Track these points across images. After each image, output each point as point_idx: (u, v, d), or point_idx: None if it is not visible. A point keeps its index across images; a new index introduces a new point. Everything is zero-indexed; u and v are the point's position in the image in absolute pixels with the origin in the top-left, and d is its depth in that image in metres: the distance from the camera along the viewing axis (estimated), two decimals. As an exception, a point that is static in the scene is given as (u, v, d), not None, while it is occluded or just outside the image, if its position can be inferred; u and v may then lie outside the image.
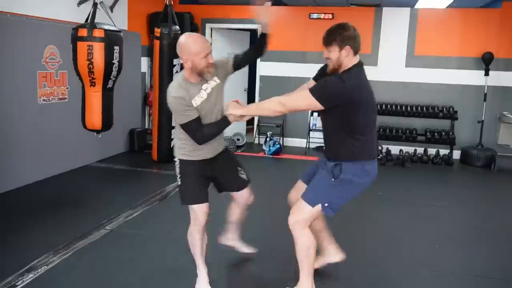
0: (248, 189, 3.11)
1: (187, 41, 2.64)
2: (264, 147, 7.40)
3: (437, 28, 7.46)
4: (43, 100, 5.17)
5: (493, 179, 6.42)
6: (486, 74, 7.08)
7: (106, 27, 4.24)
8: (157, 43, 5.92)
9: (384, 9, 7.62)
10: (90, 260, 3.34)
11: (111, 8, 6.29)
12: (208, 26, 8.22)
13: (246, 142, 7.89)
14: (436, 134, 7.21)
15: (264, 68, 8.08)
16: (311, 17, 7.75)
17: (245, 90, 8.84)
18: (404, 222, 4.44)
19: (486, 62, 7.05)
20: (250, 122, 8.93)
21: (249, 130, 8.89)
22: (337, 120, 2.59)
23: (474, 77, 7.33)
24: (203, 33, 8.22)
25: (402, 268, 3.42)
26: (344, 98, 2.49)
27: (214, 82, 2.77)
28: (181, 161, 2.84)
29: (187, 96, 2.64)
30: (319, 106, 2.51)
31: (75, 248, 3.47)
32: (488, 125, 7.21)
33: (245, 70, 8.83)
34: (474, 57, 7.27)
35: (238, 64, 2.88)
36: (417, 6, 7.87)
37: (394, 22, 7.58)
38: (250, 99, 8.71)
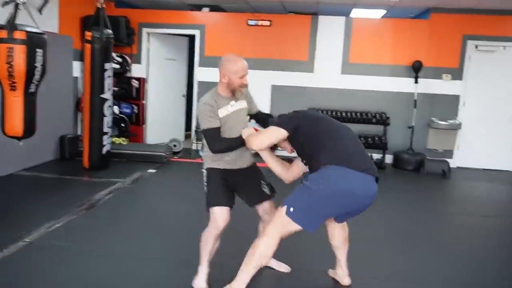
0: (270, 203, 3.16)
1: (230, 60, 2.91)
2: (200, 153, 7.31)
3: (370, 37, 7.70)
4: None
5: (423, 182, 6.68)
6: (416, 81, 7.37)
7: (28, 28, 4.05)
8: (88, 47, 5.72)
9: (320, 17, 7.78)
10: (2, 275, 3.14)
11: (40, 10, 6.00)
12: (145, 30, 8.07)
13: (184, 148, 7.78)
14: (369, 139, 7.42)
15: (201, 73, 8.02)
16: (249, 23, 7.78)
17: (183, 96, 8.74)
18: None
19: (416, 70, 7.35)
20: (187, 128, 8.85)
21: (188, 136, 8.79)
22: (300, 138, 2.83)
23: (405, 85, 7.62)
24: (140, 38, 8.06)
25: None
26: (298, 117, 2.90)
27: (242, 104, 3.04)
28: (207, 169, 3.03)
29: (215, 106, 2.88)
30: (285, 133, 2.82)
31: (-13, 263, 3.26)
32: (418, 131, 7.50)
33: (182, 75, 8.76)
34: (405, 66, 7.56)
35: (253, 114, 3.22)
36: (351, 15, 8.12)
37: (330, 30, 7.75)
38: (189, 105, 8.62)
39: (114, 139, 7.24)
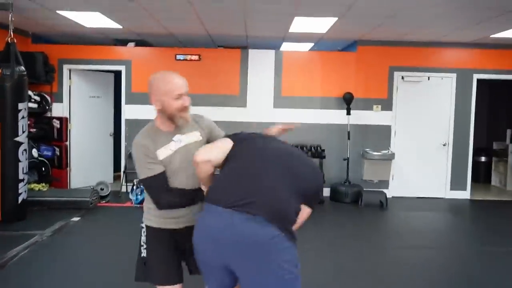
0: None
1: (155, 78, 2.23)
2: (130, 196, 6.84)
3: (301, 70, 7.69)
4: None
5: (361, 214, 6.59)
6: (348, 113, 7.40)
7: None
8: (-3, 85, 5.19)
9: (250, 51, 7.69)
10: None
11: None
12: (65, 67, 7.56)
13: (112, 191, 7.26)
14: (306, 173, 7.28)
15: (129, 111, 7.60)
16: (177, 58, 7.53)
17: (110, 135, 8.24)
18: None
19: (347, 101, 7.38)
20: (116, 169, 8.32)
21: (117, 178, 8.25)
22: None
23: (337, 116, 7.63)
24: (61, 75, 7.55)
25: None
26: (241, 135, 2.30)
27: (194, 137, 2.31)
28: (148, 228, 2.32)
29: (152, 146, 2.19)
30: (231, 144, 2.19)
31: None
32: (353, 162, 7.49)
33: (109, 113, 8.28)
34: (336, 97, 7.59)
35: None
36: (281, 48, 8.11)
37: (261, 64, 7.67)
38: (117, 144, 8.12)
39: (33, 185, 6.60)
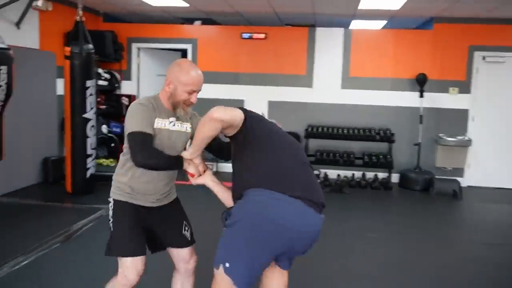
0: (190, 250, 2.52)
1: (182, 66, 2.33)
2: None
3: (371, 49, 7.30)
4: None
5: (432, 204, 6.19)
6: (421, 95, 6.94)
7: (-11, 43, 3.65)
8: (67, 63, 5.33)
9: (318, 29, 7.39)
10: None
11: (17, 24, 5.66)
12: (134, 45, 7.69)
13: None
14: (373, 157, 6.98)
15: (195, 90, 7.60)
16: (243, 36, 7.39)
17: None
18: (337, 259, 4.03)
19: (420, 83, 6.92)
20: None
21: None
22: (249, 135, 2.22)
23: (409, 99, 7.18)
24: (129, 53, 7.68)
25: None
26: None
27: (185, 127, 2.43)
28: (115, 201, 2.37)
29: (151, 110, 2.27)
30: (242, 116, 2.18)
31: None
32: (425, 148, 7.04)
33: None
34: (409, 79, 7.14)
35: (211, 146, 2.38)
36: (351, 26, 7.74)
37: (329, 42, 7.35)
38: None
39: (102, 160, 6.82)
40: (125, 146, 2.32)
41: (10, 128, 5.52)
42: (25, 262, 3.60)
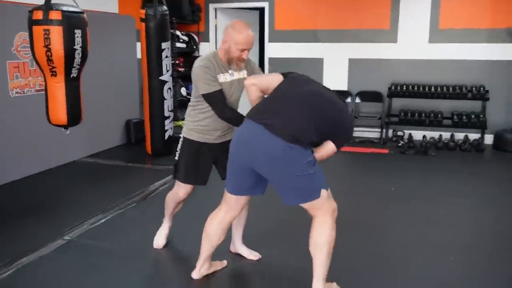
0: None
1: (235, 27, 2.70)
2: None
3: (465, -3, 6.59)
4: (16, 92, 4.74)
5: (530, 168, 5.60)
6: (522, 47, 6.20)
7: (64, 8, 3.71)
8: (142, 26, 5.37)
9: (404, -22, 6.80)
10: (31, 279, 2.86)
11: (97, -11, 5.78)
12: (211, 6, 7.63)
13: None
14: (464, 117, 6.42)
15: (272, 49, 7.43)
16: (322, -9, 7.02)
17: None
18: (416, 227, 3.76)
19: (522, 33, 6.17)
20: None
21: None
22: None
23: (508, 52, 6.45)
24: (207, 15, 7.64)
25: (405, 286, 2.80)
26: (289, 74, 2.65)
27: (242, 75, 2.83)
28: (184, 139, 2.94)
29: (213, 69, 2.70)
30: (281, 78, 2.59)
31: (19, 265, 3.00)
32: (525, 106, 6.35)
33: (254, 52, 8.21)
34: (508, 28, 6.38)
35: None
36: (442, -27, 7.02)
37: (416, -8, 6.76)
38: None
39: (181, 122, 6.95)
40: (194, 96, 2.82)
41: (93, 93, 5.77)
42: (102, 221, 3.75)
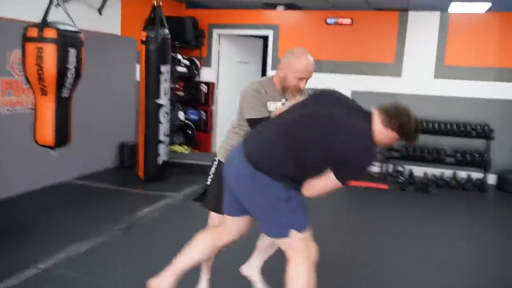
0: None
1: (295, 54, 2.50)
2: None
3: (472, 35, 6.52)
4: (7, 110, 4.61)
5: (535, 212, 5.40)
6: (529, 87, 6.08)
7: (60, 26, 3.61)
8: (143, 48, 5.28)
9: (411, 13, 6.74)
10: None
11: (100, 10, 5.72)
12: (215, 32, 7.56)
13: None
14: (468, 155, 6.25)
15: (274, 78, 7.32)
16: (328, 22, 6.95)
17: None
18: (415, 270, 3.55)
19: (529, 73, 6.06)
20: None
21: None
22: None
23: (513, 91, 6.33)
24: (210, 40, 7.56)
25: None
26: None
27: None
28: (219, 161, 2.67)
29: (264, 95, 2.48)
30: None
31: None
32: (531, 147, 6.18)
33: (256, 79, 8.12)
34: (516, 68, 6.28)
35: None
36: (449, 10, 6.96)
37: (422, 27, 6.69)
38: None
39: (177, 147, 6.80)
40: (238, 119, 2.61)
41: (88, 113, 5.66)
42: (83, 250, 3.54)
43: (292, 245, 2.16)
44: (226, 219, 2.43)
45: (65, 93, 3.76)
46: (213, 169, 2.69)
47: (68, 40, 3.64)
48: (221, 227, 2.47)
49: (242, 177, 2.15)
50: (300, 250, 2.15)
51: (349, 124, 2.10)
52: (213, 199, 2.66)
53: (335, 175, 2.10)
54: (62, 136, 3.82)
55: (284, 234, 2.14)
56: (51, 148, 3.84)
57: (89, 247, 3.60)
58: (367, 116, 2.15)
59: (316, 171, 2.18)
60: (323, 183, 2.16)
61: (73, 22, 3.84)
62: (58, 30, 3.57)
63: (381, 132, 2.12)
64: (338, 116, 2.13)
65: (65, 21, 3.76)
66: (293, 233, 2.13)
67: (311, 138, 2.10)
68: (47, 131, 3.74)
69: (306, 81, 2.50)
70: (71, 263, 3.31)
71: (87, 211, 4.47)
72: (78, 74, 3.79)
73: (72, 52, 3.68)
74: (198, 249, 2.40)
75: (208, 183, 2.71)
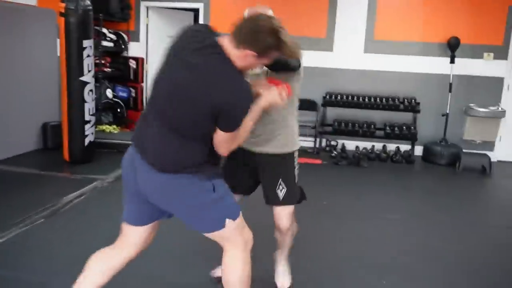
0: (281, 210, 2.55)
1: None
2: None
3: (399, 10, 6.65)
4: None
5: (458, 181, 5.68)
6: (452, 61, 6.32)
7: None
8: (62, 21, 4.90)
9: (341, -13, 6.75)
10: None
11: (11, -22, 5.24)
12: (143, 4, 7.20)
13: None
14: (396, 128, 6.45)
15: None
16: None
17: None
18: (349, 244, 3.61)
19: (452, 48, 6.29)
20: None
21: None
22: None
23: (438, 65, 6.57)
24: (138, 12, 7.20)
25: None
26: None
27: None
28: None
29: None
30: None
31: None
32: (454, 119, 6.47)
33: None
34: (439, 43, 6.50)
35: None
36: (377, -16, 7.04)
37: (352, 1, 6.71)
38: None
39: (105, 127, 6.48)
40: None
41: (7, 92, 5.23)
42: (2, 240, 3.28)
43: (227, 237, 2.02)
44: (127, 231, 2.11)
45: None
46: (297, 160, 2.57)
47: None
48: (119, 242, 2.16)
49: (157, 186, 1.92)
50: (237, 242, 2.02)
51: (205, 73, 1.80)
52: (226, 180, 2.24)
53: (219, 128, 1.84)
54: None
55: (219, 226, 1.97)
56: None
57: (7, 238, 3.33)
58: (216, 49, 1.83)
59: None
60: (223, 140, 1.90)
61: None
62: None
63: (238, 56, 1.82)
64: (192, 72, 1.81)
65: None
66: (228, 222, 1.98)
67: (184, 111, 1.84)
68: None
69: None
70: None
71: (7, 199, 4.14)
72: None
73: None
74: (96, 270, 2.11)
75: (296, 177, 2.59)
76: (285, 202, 2.51)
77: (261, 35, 1.79)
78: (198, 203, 1.94)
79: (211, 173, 1.95)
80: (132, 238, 2.11)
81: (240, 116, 1.83)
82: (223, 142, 1.90)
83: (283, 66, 2.28)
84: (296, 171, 2.56)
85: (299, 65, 2.38)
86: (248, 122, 1.94)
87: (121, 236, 2.14)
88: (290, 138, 2.50)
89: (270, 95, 2.06)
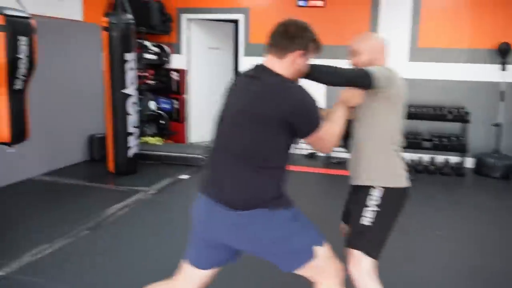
0: (353, 253, 2.21)
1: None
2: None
3: (445, 16, 6.40)
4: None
5: (512, 194, 5.37)
6: (503, 69, 6.02)
7: (9, 12, 3.33)
8: (105, 35, 5.00)
9: (383, -6, 6.59)
10: None
11: (59, -6, 5.39)
12: (184, 16, 7.28)
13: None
14: (444, 139, 6.18)
15: (247, 63, 7.10)
16: (299, 4, 6.75)
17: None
18: (391, 262, 3.44)
19: (503, 54, 6.00)
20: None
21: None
22: None
23: (488, 73, 6.26)
24: (179, 25, 7.28)
25: None
26: None
27: None
28: (386, 189, 2.34)
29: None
30: None
31: None
32: (507, 129, 6.14)
33: (228, 66, 7.91)
34: (489, 49, 6.21)
35: None
36: (422, -10, 6.84)
37: (395, 9, 6.53)
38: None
39: (149, 138, 6.56)
40: None
41: (54, 104, 5.38)
42: (46, 252, 3.33)
43: (321, 267, 1.89)
44: (189, 272, 2.03)
45: (18, 85, 3.48)
46: (380, 202, 2.24)
47: (17, 27, 3.36)
48: (176, 279, 2.07)
49: (234, 225, 1.82)
50: (330, 272, 1.91)
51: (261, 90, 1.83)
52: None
53: (302, 135, 1.87)
54: (19, 131, 3.56)
55: (309, 256, 1.85)
56: (8, 144, 3.58)
57: (54, 249, 3.37)
58: (266, 70, 1.89)
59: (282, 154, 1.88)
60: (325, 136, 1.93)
61: (22, 6, 3.55)
62: (6, 16, 3.29)
63: (283, 67, 1.88)
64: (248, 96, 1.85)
65: (14, 7, 3.49)
66: (318, 250, 1.87)
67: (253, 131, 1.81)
68: (1, 127, 3.48)
69: None
70: (33, 268, 3.10)
71: (54, 210, 4.23)
72: (31, 64, 3.52)
73: (23, 40, 3.40)
74: None
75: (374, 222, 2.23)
76: (352, 244, 2.28)
77: (297, 32, 1.91)
78: (282, 235, 1.83)
79: (286, 202, 1.88)
80: (190, 278, 2.02)
81: (312, 113, 1.84)
82: (315, 144, 1.94)
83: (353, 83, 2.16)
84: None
85: (370, 81, 2.14)
86: (336, 114, 2.05)
87: (179, 274, 2.06)
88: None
89: (345, 92, 2.15)
